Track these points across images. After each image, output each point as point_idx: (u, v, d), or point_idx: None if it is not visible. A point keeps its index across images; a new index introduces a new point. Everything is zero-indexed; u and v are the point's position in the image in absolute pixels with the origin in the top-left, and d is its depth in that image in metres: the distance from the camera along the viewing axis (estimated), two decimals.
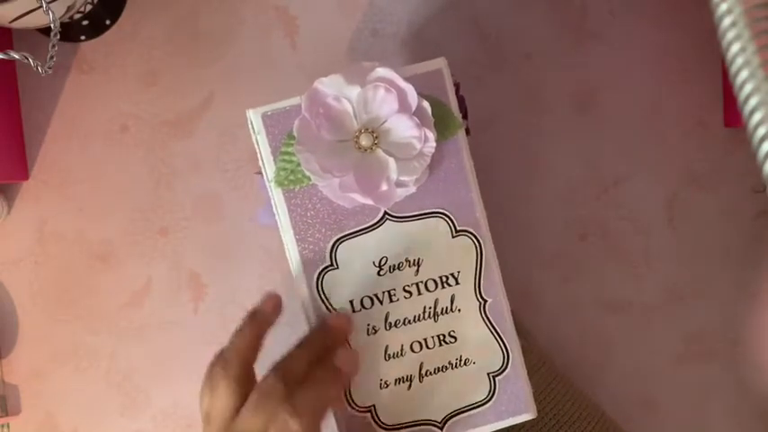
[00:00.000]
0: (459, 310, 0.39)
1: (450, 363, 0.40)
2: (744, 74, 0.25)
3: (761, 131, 0.24)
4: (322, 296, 0.39)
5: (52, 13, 0.51)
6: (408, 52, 0.64)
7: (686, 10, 0.62)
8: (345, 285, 0.39)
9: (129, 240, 0.66)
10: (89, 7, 0.61)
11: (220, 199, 0.65)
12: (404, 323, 0.39)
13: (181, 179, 0.66)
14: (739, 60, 0.25)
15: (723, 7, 0.25)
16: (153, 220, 0.66)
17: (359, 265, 0.39)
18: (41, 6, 0.50)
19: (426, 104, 0.37)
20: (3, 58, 0.50)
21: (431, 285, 0.39)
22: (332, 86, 0.38)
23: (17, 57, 0.50)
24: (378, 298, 0.39)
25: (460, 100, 0.45)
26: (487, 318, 0.40)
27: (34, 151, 0.66)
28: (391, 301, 0.39)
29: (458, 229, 0.39)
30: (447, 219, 0.39)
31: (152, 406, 0.66)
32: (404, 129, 0.37)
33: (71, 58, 0.65)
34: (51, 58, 0.52)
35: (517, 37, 0.63)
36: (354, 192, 0.37)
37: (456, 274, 0.39)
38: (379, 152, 0.37)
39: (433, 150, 0.37)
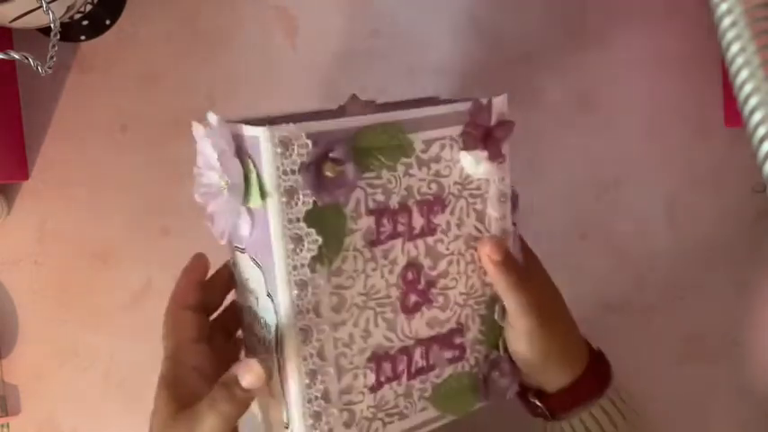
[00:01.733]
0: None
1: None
2: (744, 74, 0.25)
3: (761, 131, 0.24)
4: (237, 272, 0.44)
5: (52, 13, 0.51)
6: (408, 52, 0.64)
7: (686, 10, 0.62)
8: (241, 277, 0.44)
9: (129, 240, 0.66)
10: (89, 7, 0.61)
11: None
12: (254, 335, 0.43)
13: (181, 179, 0.66)
14: (739, 60, 0.25)
15: (723, 7, 0.25)
16: (153, 220, 0.66)
17: (244, 272, 0.43)
18: (41, 6, 0.50)
19: (234, 165, 0.38)
20: (3, 58, 0.50)
21: (262, 320, 0.41)
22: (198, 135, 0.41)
23: (17, 57, 0.50)
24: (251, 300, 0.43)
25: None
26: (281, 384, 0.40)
27: (34, 151, 0.66)
28: (251, 309, 0.43)
29: (267, 291, 0.40)
30: (263, 275, 0.40)
31: (152, 406, 0.66)
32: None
33: (71, 58, 0.65)
34: (51, 58, 0.52)
35: (517, 37, 0.63)
36: (208, 220, 0.41)
37: (271, 328, 0.40)
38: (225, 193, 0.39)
39: (221, 209, 0.39)
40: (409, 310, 0.43)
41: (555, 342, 0.46)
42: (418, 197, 0.42)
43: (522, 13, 0.63)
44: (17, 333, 0.67)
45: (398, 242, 0.42)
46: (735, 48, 0.25)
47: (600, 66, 0.63)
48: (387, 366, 0.42)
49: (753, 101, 0.24)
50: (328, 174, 0.38)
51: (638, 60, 0.63)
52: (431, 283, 0.44)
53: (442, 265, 0.44)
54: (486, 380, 0.46)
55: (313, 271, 0.39)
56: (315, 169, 0.38)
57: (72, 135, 0.66)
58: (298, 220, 0.38)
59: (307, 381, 0.39)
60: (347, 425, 0.41)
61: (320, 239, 0.38)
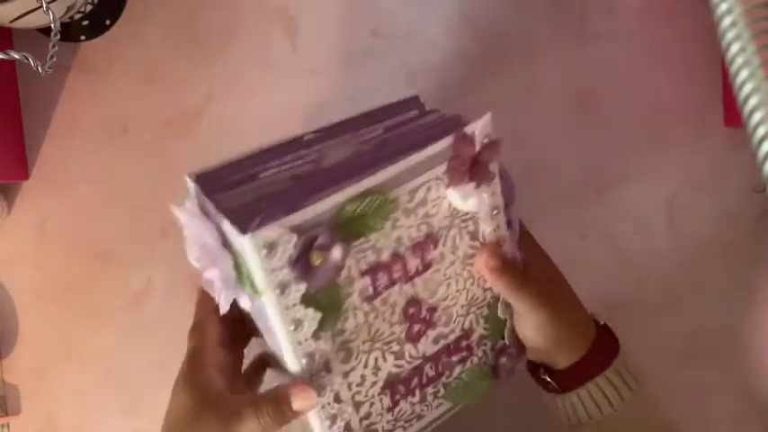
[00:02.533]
0: None
1: None
2: (744, 74, 0.25)
3: (761, 131, 0.24)
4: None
5: (52, 13, 0.51)
6: (408, 52, 0.64)
7: (686, 10, 0.62)
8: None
9: (129, 240, 0.66)
10: (89, 7, 0.62)
11: None
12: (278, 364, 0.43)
13: (181, 179, 0.66)
14: (739, 60, 0.25)
15: (723, 7, 0.25)
16: (153, 220, 0.66)
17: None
18: (41, 6, 0.50)
19: (222, 258, 0.37)
20: (3, 58, 0.50)
21: (282, 360, 0.41)
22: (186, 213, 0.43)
23: (17, 57, 0.50)
24: None
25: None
26: None
27: (34, 151, 0.66)
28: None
29: (280, 350, 0.40)
30: (273, 338, 0.40)
31: (152, 406, 0.66)
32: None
33: (71, 58, 0.65)
34: (51, 58, 0.52)
35: (517, 37, 0.63)
36: (206, 285, 0.40)
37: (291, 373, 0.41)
38: None
39: (218, 287, 0.39)
40: (414, 338, 0.43)
41: (565, 328, 0.47)
42: (409, 243, 0.41)
43: (522, 12, 0.63)
44: (17, 333, 0.67)
45: (396, 288, 0.41)
46: (735, 48, 0.25)
47: (600, 66, 0.63)
48: (400, 387, 0.43)
49: (753, 101, 0.24)
50: (317, 263, 0.37)
51: (638, 60, 0.63)
52: (432, 310, 0.44)
53: (441, 290, 0.44)
54: (495, 367, 0.48)
55: (317, 339, 0.38)
56: (303, 260, 0.36)
57: (72, 135, 0.66)
58: (294, 305, 0.37)
59: (328, 422, 0.40)
60: None
61: (319, 314, 0.38)
